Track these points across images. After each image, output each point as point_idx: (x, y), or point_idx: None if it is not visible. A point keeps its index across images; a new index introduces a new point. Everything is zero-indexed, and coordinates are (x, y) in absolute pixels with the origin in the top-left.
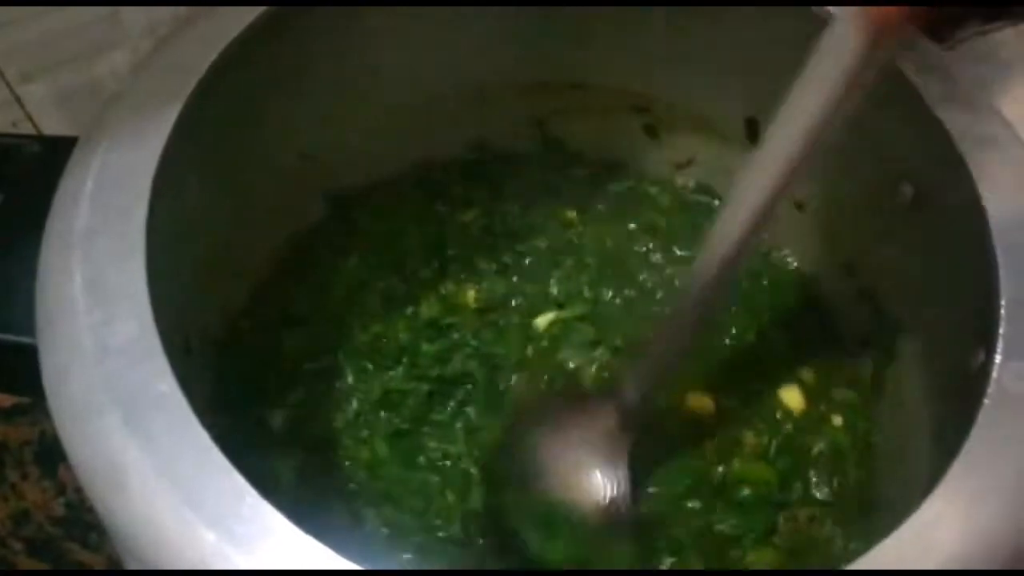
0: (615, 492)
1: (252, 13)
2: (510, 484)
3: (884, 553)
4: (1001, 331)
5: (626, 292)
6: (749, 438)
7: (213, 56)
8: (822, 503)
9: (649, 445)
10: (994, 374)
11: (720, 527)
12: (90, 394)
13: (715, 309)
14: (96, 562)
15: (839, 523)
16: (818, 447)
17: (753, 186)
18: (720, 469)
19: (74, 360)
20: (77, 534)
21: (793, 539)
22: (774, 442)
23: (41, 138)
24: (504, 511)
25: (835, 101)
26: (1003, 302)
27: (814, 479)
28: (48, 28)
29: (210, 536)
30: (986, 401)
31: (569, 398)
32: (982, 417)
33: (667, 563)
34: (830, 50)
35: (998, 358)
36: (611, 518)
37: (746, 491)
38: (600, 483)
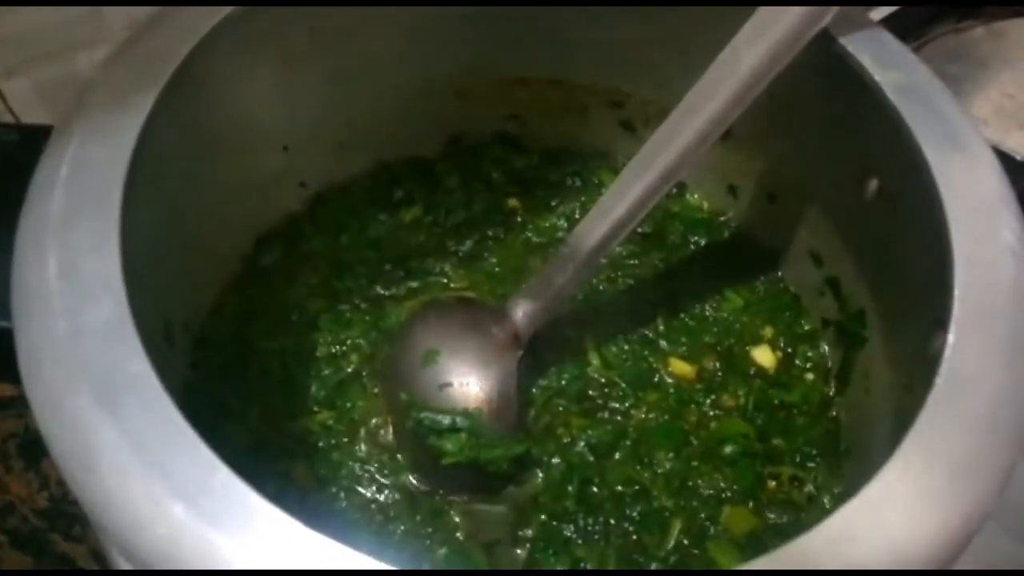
0: (504, 395)
1: (231, 4)
2: (406, 384)
3: (834, 526)
4: (954, 314)
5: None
6: (727, 399)
7: (189, 45)
8: (804, 463)
9: (535, 362)
10: (947, 354)
11: (700, 483)
12: (64, 375)
13: (600, 260)
14: (79, 553)
15: (819, 485)
16: (792, 400)
17: (660, 153)
18: (702, 433)
19: (48, 342)
20: (61, 526)
21: (774, 499)
22: (751, 399)
23: (19, 127)
24: (406, 412)
25: (767, 62)
26: (957, 287)
27: (792, 432)
28: (31, 24)
29: (179, 509)
30: (938, 381)
31: (465, 308)
32: (933, 396)
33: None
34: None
35: (951, 339)
36: (499, 420)
37: (728, 448)
38: (491, 386)
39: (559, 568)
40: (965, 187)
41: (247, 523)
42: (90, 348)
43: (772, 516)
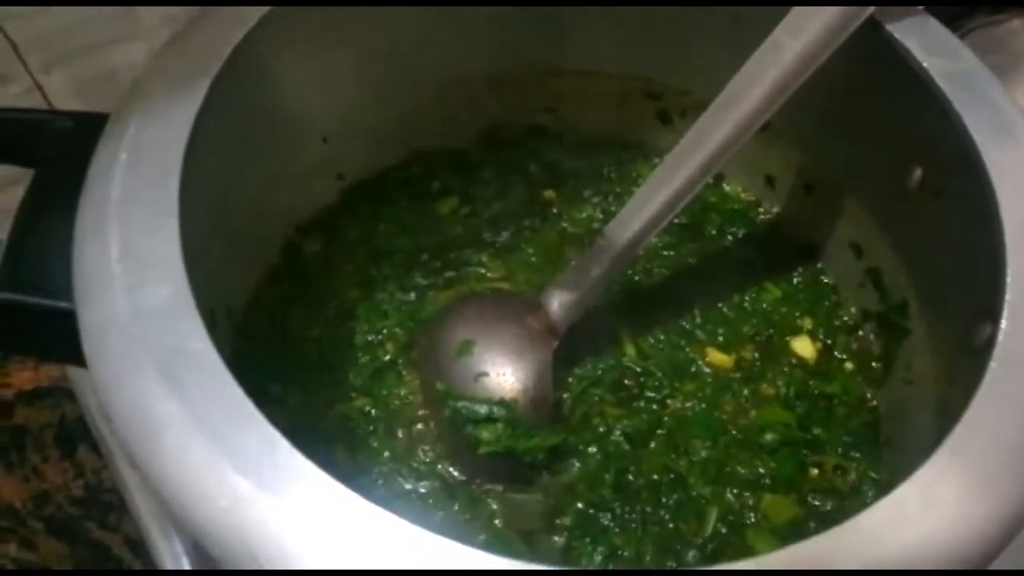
0: (540, 385)
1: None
2: (442, 374)
3: (885, 510)
4: (1007, 298)
5: None
6: (766, 388)
7: (237, 38)
8: (845, 453)
9: (571, 352)
10: (1000, 338)
11: (740, 470)
12: (127, 353)
13: (635, 254)
14: (113, 542)
15: (861, 474)
16: (833, 391)
17: (699, 145)
18: (742, 421)
19: (112, 321)
20: (95, 514)
21: (818, 487)
22: (792, 388)
23: (72, 114)
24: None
25: (813, 50)
26: (1009, 273)
27: (832, 423)
28: (68, 20)
29: (243, 482)
30: (992, 364)
31: (500, 300)
32: (987, 379)
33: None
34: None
35: (1004, 323)
36: (535, 410)
37: (769, 436)
38: (526, 376)
39: (597, 556)
40: (1017, 174)
41: (307, 494)
42: (153, 327)
43: (816, 503)
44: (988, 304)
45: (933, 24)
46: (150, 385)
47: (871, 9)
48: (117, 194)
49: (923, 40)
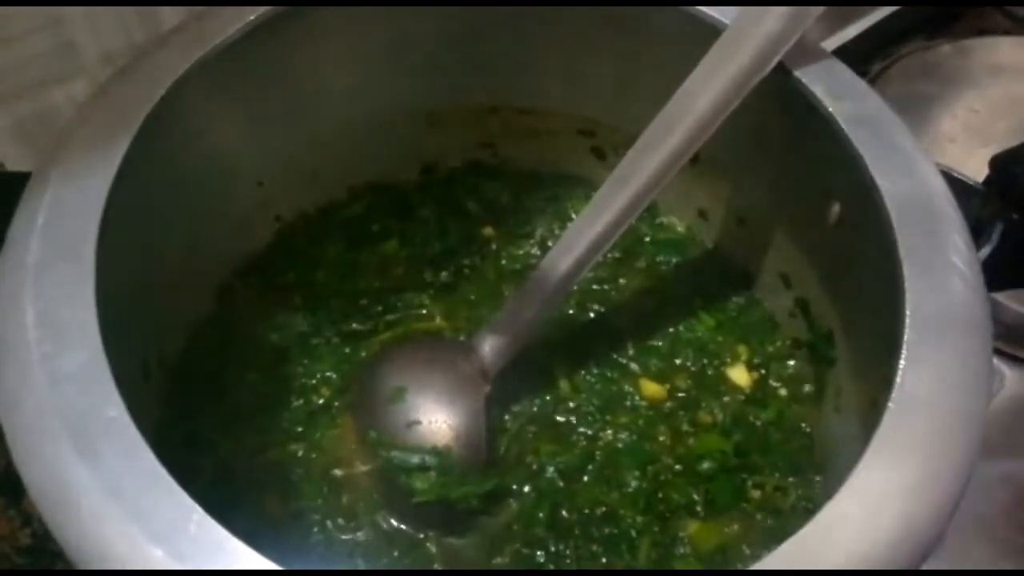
0: (473, 431)
1: (204, 46)
2: (374, 422)
3: (787, 552)
4: (905, 338)
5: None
6: (703, 417)
7: (162, 89)
8: (783, 477)
9: (506, 391)
10: (898, 379)
11: (674, 497)
12: (41, 420)
13: (566, 292)
14: None
15: (800, 496)
16: (768, 418)
17: (622, 187)
18: (679, 450)
19: (26, 389)
20: (44, 564)
21: (762, 507)
22: (728, 416)
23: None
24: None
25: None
26: (908, 310)
27: (768, 448)
28: (4, 60)
29: (157, 553)
30: (891, 405)
31: (432, 345)
32: (887, 420)
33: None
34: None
35: (902, 363)
36: (469, 456)
37: (706, 464)
38: (459, 422)
39: None
40: (914, 212)
41: (223, 564)
42: (66, 394)
43: (766, 523)
44: (896, 338)
45: (840, 68)
46: (63, 454)
47: (777, 58)
48: (33, 259)
49: (829, 85)
